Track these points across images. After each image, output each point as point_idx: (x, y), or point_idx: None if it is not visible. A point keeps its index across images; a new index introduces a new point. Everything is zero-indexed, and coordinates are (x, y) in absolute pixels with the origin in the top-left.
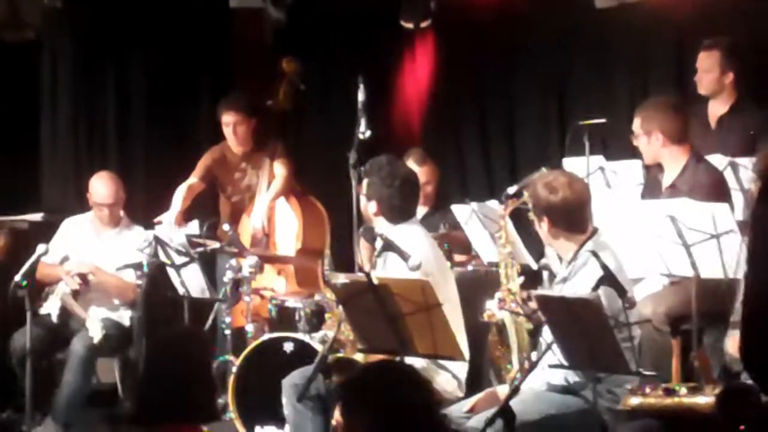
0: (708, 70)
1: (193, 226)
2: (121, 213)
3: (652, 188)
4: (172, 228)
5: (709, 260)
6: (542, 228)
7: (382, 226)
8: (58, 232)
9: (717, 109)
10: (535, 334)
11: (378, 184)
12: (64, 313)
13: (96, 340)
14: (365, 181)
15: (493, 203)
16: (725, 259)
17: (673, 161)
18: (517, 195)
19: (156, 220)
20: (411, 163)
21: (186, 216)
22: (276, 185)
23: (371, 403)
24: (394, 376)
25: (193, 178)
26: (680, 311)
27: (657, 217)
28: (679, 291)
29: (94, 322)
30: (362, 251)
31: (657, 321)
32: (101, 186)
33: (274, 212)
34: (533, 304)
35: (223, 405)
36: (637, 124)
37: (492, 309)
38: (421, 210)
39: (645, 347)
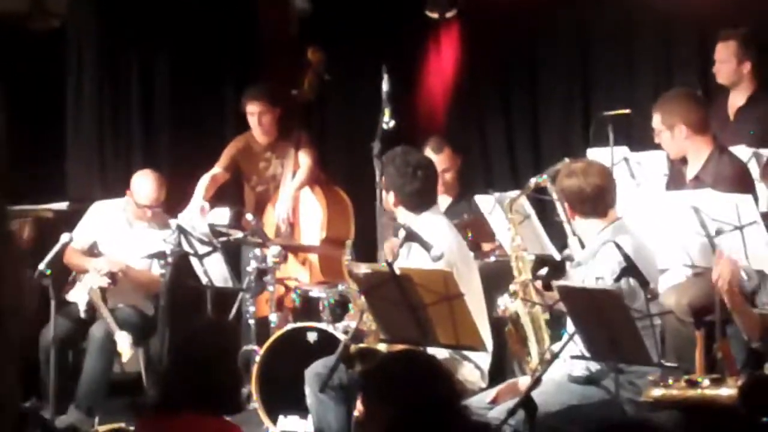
0: (725, 61)
1: (223, 213)
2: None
3: (676, 180)
4: (197, 217)
5: (733, 252)
6: (565, 212)
7: (404, 216)
8: (86, 215)
9: (736, 99)
10: (552, 325)
11: (393, 174)
12: (91, 308)
13: (125, 359)
14: (383, 174)
15: (516, 194)
16: (749, 250)
17: (697, 153)
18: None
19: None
20: (428, 152)
21: (211, 206)
22: (301, 175)
23: (392, 393)
24: (415, 366)
25: (217, 168)
26: (703, 302)
27: (680, 209)
28: (702, 282)
29: (124, 341)
30: (385, 241)
31: (680, 312)
32: (144, 186)
33: (298, 202)
34: (554, 295)
35: (246, 394)
36: (657, 120)
37: (504, 303)
38: (445, 200)
39: (668, 338)
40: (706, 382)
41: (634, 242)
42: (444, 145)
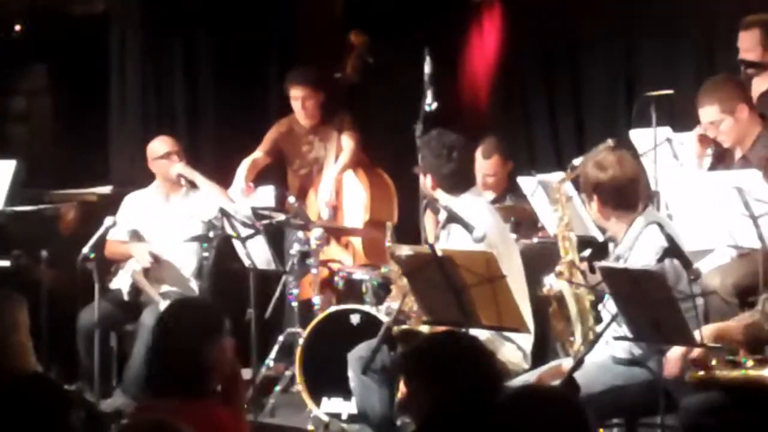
0: (750, 49)
1: (268, 191)
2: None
3: (723, 159)
4: (240, 198)
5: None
6: (592, 207)
7: (444, 199)
8: (121, 208)
9: (760, 85)
10: (597, 305)
11: (429, 156)
12: (135, 290)
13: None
14: (419, 158)
15: (558, 175)
16: None
17: (745, 134)
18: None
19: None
20: (478, 153)
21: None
22: (344, 158)
23: (433, 374)
24: (456, 347)
25: (258, 152)
26: (748, 283)
27: (724, 189)
28: (746, 263)
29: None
30: (427, 223)
31: (724, 293)
32: (160, 140)
33: (341, 185)
34: (597, 276)
35: (290, 377)
36: (714, 111)
37: (550, 283)
38: (489, 195)
39: (712, 319)
40: (750, 362)
41: (669, 227)
42: (493, 152)
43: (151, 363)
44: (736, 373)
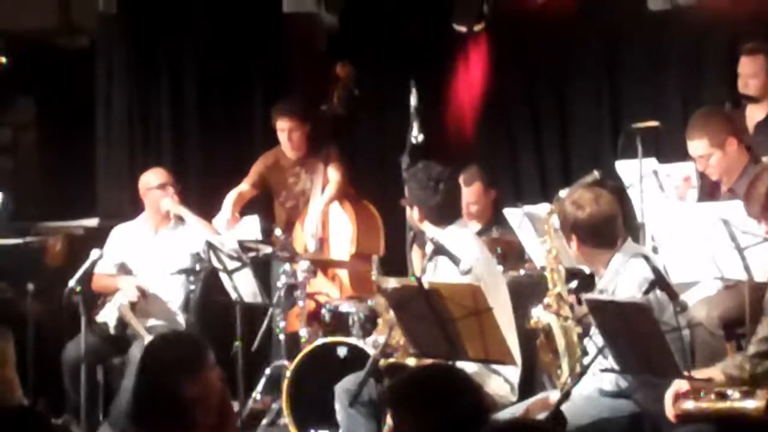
0: (754, 75)
1: (253, 220)
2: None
3: (710, 191)
4: (224, 229)
5: (763, 264)
6: (572, 247)
7: (431, 231)
8: (108, 240)
9: (756, 113)
10: (584, 338)
11: (415, 188)
12: (121, 323)
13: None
14: (406, 191)
15: (545, 207)
16: None
17: (733, 166)
18: None
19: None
20: (461, 180)
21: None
22: (330, 190)
23: (418, 405)
24: (441, 379)
25: (244, 185)
26: (734, 315)
27: (710, 221)
28: (732, 295)
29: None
30: (414, 256)
31: (711, 325)
32: (154, 171)
33: (328, 217)
34: (584, 308)
35: (277, 409)
36: (704, 145)
37: (537, 315)
38: (475, 226)
39: (698, 351)
40: (736, 394)
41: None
42: (475, 179)
43: (134, 398)
44: (722, 405)
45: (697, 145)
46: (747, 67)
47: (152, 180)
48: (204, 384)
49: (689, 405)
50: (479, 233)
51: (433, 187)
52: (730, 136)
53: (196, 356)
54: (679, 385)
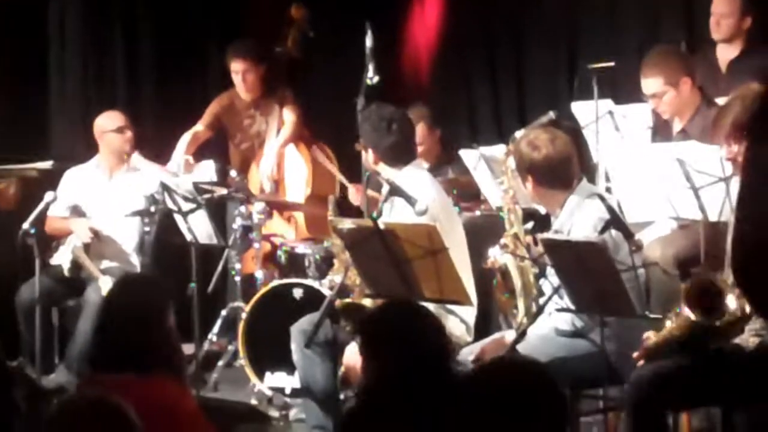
0: (728, 15)
1: (208, 166)
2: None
3: (661, 132)
4: (180, 172)
5: (718, 203)
6: (527, 187)
7: (386, 172)
8: (61, 184)
9: (727, 53)
10: (541, 278)
11: (369, 130)
12: (75, 266)
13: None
14: (360, 133)
15: (501, 148)
16: (734, 202)
17: (685, 106)
18: None
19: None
20: None
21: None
22: (285, 131)
23: (389, 341)
24: (410, 316)
25: (199, 126)
26: (689, 254)
27: (665, 161)
28: (687, 234)
29: (107, 284)
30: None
31: (666, 264)
32: (111, 114)
33: (283, 159)
34: (540, 248)
35: (233, 351)
36: (658, 83)
37: (494, 255)
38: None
39: (654, 290)
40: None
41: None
42: (419, 120)
43: (99, 339)
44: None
45: (651, 83)
46: (720, 6)
47: (108, 123)
48: (167, 328)
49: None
50: (428, 172)
51: (386, 127)
52: (684, 76)
53: (161, 299)
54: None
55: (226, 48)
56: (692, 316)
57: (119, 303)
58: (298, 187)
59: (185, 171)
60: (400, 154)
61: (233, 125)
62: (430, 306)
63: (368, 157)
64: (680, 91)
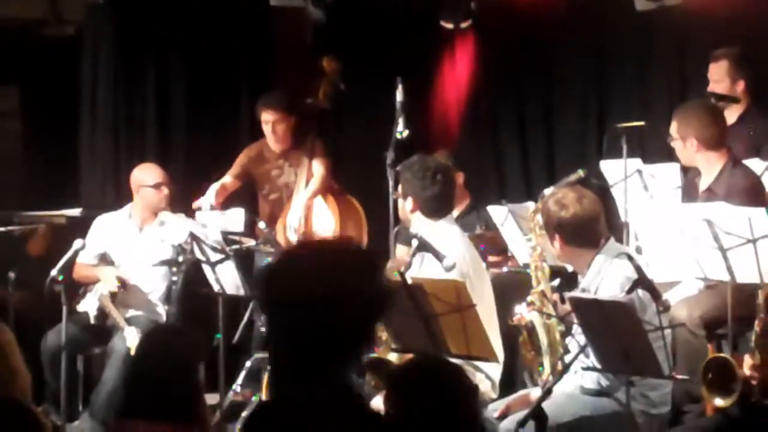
0: (719, 81)
1: (238, 213)
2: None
3: (689, 192)
4: (208, 216)
5: (746, 265)
6: (555, 246)
7: (420, 223)
8: (91, 230)
9: (730, 116)
10: (567, 336)
11: (411, 179)
12: (101, 314)
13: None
14: (400, 182)
15: (529, 205)
16: (762, 264)
17: (709, 166)
18: None
19: (194, 205)
20: None
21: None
22: (314, 184)
23: (420, 396)
24: (446, 372)
25: (228, 177)
26: (715, 315)
27: (693, 221)
28: (714, 295)
29: (133, 337)
30: (398, 252)
31: (692, 325)
32: (150, 169)
33: (311, 211)
34: (566, 306)
35: (257, 402)
36: (674, 128)
37: (521, 312)
38: (454, 212)
39: (680, 351)
40: None
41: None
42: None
43: (127, 387)
44: None
45: (672, 124)
46: (713, 73)
47: (147, 178)
48: (194, 378)
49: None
50: (461, 217)
51: (430, 177)
52: (693, 138)
53: (194, 349)
54: None
55: (257, 99)
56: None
57: (154, 350)
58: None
59: (213, 210)
60: (440, 206)
61: (262, 176)
62: (457, 362)
63: (406, 205)
64: (686, 146)
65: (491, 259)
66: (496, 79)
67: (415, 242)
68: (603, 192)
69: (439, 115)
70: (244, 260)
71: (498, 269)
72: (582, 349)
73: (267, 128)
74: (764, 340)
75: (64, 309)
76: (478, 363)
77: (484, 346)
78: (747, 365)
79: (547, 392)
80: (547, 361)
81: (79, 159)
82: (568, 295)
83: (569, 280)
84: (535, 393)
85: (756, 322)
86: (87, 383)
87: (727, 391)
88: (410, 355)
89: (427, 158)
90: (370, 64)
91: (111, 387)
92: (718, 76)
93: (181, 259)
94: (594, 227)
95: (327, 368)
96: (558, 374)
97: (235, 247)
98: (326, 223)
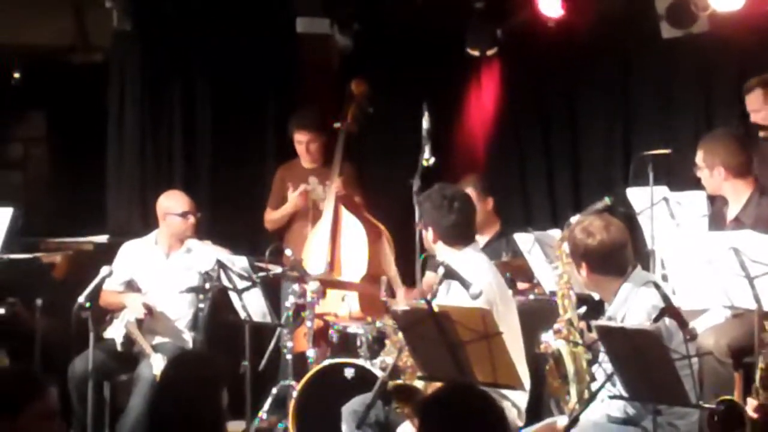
0: (757, 110)
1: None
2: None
3: (716, 220)
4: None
5: None
6: (581, 274)
7: (443, 252)
8: (117, 256)
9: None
10: (593, 364)
11: (430, 209)
12: (128, 341)
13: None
14: (421, 212)
15: (555, 232)
16: None
17: (736, 194)
18: None
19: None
20: None
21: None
22: (333, 188)
23: (453, 424)
24: (477, 400)
25: (270, 210)
26: (742, 344)
27: (720, 249)
28: (741, 323)
29: (159, 364)
30: (426, 279)
31: (719, 353)
32: (177, 197)
33: (339, 236)
34: (593, 335)
35: (283, 429)
36: (700, 157)
37: (547, 340)
38: (483, 239)
39: (707, 379)
40: None
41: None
42: (467, 185)
43: (154, 414)
44: None
45: (697, 153)
46: (749, 104)
47: (174, 206)
48: (218, 406)
49: None
50: (489, 244)
51: (447, 206)
52: (720, 166)
53: (221, 376)
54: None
55: (284, 126)
56: None
57: (175, 379)
58: (355, 266)
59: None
60: (461, 234)
61: (292, 188)
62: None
63: (428, 235)
64: (713, 175)
65: (519, 286)
66: (521, 107)
67: (441, 270)
68: (629, 220)
69: (465, 142)
70: (271, 287)
71: (524, 297)
72: (609, 378)
73: (301, 148)
74: None
75: (91, 336)
76: (504, 391)
77: (510, 374)
78: (750, 407)
79: (573, 421)
80: (573, 390)
81: (106, 185)
82: (594, 323)
83: (596, 308)
84: (561, 421)
85: (760, 358)
86: (113, 410)
87: None
88: (437, 383)
89: (446, 186)
90: (397, 91)
91: (137, 414)
92: (756, 106)
93: (207, 286)
94: (621, 255)
95: None
96: (584, 403)
97: (261, 274)
98: (358, 249)
